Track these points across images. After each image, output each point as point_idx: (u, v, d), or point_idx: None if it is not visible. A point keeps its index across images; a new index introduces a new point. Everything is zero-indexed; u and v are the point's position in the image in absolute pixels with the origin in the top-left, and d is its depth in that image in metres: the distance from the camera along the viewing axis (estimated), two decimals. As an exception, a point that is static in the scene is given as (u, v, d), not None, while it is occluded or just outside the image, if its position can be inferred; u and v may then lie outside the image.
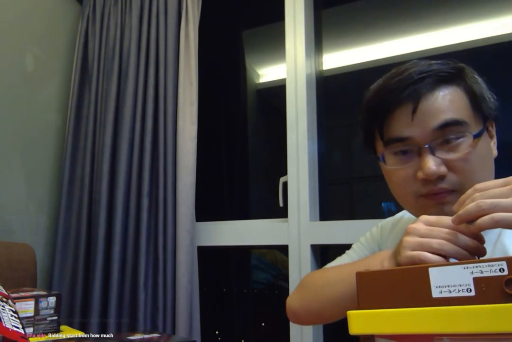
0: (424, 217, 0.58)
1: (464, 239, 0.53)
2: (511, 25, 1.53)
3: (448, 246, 0.53)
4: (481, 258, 0.47)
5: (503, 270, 0.42)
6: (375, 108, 0.74)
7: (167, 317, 1.56)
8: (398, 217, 0.92)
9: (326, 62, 1.79)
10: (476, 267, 0.43)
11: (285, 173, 1.61)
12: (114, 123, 1.76)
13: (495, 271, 0.42)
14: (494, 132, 0.77)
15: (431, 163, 0.67)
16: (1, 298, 0.84)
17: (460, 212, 0.52)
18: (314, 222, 1.54)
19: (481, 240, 0.54)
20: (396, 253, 0.60)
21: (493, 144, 0.76)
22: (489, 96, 0.74)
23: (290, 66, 1.65)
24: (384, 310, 0.46)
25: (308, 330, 1.48)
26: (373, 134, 0.77)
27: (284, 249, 1.57)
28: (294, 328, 1.50)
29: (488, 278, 0.42)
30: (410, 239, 0.57)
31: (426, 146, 0.68)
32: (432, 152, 0.68)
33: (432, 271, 0.45)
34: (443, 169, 0.68)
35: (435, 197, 0.69)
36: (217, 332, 2.00)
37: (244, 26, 2.10)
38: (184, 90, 1.69)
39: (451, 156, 0.68)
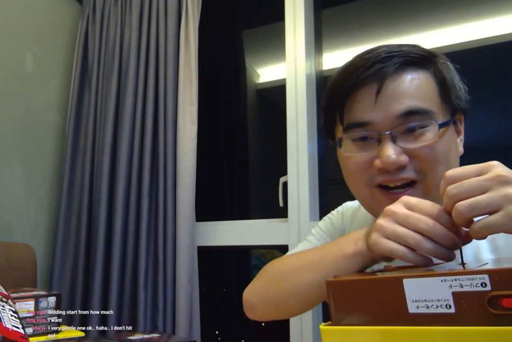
0: (405, 198, 0.53)
1: (443, 232, 0.48)
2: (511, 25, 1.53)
3: (424, 244, 0.48)
4: (458, 269, 0.43)
5: (485, 284, 0.38)
6: (337, 88, 0.68)
7: (167, 317, 1.56)
8: (356, 206, 0.87)
9: (326, 62, 1.79)
10: (455, 280, 0.39)
11: (285, 172, 1.61)
12: (114, 123, 1.76)
13: (476, 286, 0.38)
14: (462, 128, 0.70)
15: (391, 152, 0.61)
16: (1, 298, 0.84)
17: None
18: (314, 222, 1.54)
19: (460, 232, 0.49)
20: (369, 234, 0.55)
21: (460, 141, 0.70)
22: (460, 85, 0.68)
23: (290, 66, 1.65)
24: (359, 328, 0.43)
25: (308, 330, 1.48)
26: (334, 118, 0.71)
27: (284, 249, 1.57)
28: (294, 328, 1.50)
29: (469, 293, 0.38)
30: (385, 224, 0.51)
31: (387, 132, 0.63)
32: (393, 140, 0.62)
33: (407, 283, 0.41)
34: (403, 158, 0.62)
35: (392, 196, 0.63)
36: (217, 332, 2.00)
37: (244, 26, 2.09)
38: (184, 90, 1.69)
39: (413, 145, 0.62)
